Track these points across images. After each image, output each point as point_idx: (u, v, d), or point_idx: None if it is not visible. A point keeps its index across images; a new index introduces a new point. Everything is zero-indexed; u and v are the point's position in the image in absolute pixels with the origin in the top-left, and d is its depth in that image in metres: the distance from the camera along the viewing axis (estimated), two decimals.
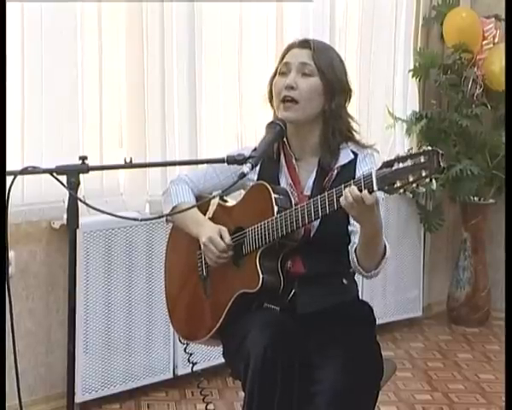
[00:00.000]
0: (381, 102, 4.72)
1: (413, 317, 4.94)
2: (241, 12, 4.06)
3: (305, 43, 2.45)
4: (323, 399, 2.19)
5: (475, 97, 4.84)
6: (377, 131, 4.65)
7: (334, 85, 2.41)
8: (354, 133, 2.48)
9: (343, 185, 2.15)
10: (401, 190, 2.06)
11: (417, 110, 4.84)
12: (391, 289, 4.77)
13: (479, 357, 4.49)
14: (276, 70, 2.48)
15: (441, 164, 1.98)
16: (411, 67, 4.82)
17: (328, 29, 4.38)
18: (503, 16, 4.50)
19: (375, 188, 2.08)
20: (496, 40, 4.87)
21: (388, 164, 2.06)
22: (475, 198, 4.92)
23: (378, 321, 2.58)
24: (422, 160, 1.99)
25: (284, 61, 2.45)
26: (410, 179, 2.02)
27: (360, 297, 2.58)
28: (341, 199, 2.14)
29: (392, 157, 2.07)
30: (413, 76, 4.82)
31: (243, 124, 4.10)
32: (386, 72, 4.78)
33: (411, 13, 4.84)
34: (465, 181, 4.68)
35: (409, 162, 2.01)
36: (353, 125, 2.49)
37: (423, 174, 2.00)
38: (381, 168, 2.08)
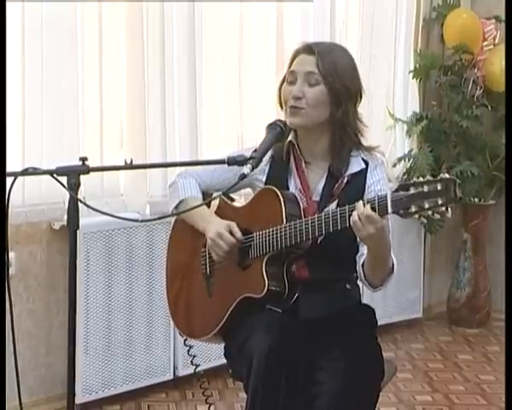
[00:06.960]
0: (381, 103, 4.71)
1: (413, 318, 4.93)
2: (241, 12, 4.07)
3: (309, 49, 2.40)
4: (324, 400, 2.20)
5: (476, 98, 4.84)
6: (378, 132, 4.63)
7: (340, 92, 2.36)
8: (363, 140, 2.44)
9: (356, 203, 2.13)
10: (416, 216, 2.03)
11: (418, 111, 4.84)
12: (391, 290, 4.75)
13: (479, 358, 4.49)
14: (285, 77, 2.44)
15: (457, 194, 1.97)
16: (412, 68, 4.82)
17: (328, 29, 4.38)
18: (504, 17, 4.50)
19: (390, 211, 2.05)
20: (496, 41, 4.86)
21: (404, 187, 2.03)
22: (476, 199, 4.91)
23: (378, 322, 2.57)
24: (439, 187, 1.98)
25: (291, 69, 2.42)
26: (426, 206, 2.00)
27: (361, 299, 2.57)
28: (351, 218, 2.12)
29: (411, 181, 2.03)
30: (413, 77, 4.81)
31: (244, 125, 4.10)
32: (387, 73, 4.77)
33: (412, 14, 4.83)
34: (465, 182, 4.66)
35: (425, 188, 1.99)
36: (362, 129, 2.44)
37: (439, 202, 1.98)
38: (396, 191, 2.05)
